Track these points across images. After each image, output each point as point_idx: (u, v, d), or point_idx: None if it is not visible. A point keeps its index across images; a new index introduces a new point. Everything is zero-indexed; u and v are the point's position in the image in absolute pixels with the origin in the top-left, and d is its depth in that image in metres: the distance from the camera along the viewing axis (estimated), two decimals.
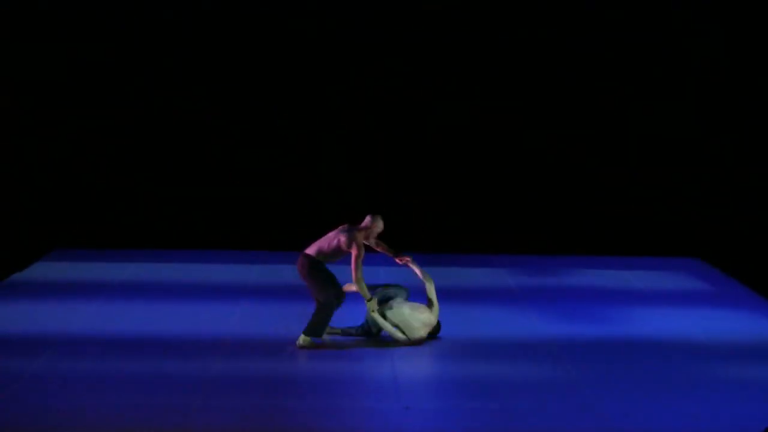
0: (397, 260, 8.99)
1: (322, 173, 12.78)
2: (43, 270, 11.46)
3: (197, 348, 8.59)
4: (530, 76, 12.73)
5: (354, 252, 8.53)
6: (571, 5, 12.56)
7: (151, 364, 8.17)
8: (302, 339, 8.63)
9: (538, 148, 12.83)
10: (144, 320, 9.42)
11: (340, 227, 8.77)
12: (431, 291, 8.87)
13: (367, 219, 8.79)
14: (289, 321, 9.40)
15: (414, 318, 8.73)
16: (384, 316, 8.70)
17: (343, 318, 8.98)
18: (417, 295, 9.06)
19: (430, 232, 12.62)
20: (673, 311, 10.14)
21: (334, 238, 8.66)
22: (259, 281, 11.15)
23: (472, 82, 12.72)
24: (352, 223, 8.84)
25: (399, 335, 8.70)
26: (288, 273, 11.52)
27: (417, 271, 8.90)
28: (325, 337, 8.77)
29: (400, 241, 9.75)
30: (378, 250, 8.99)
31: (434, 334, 8.87)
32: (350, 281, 8.76)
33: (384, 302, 8.78)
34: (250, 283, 11.00)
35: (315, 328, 8.62)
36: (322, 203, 12.58)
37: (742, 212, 12.83)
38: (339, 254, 8.68)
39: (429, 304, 8.86)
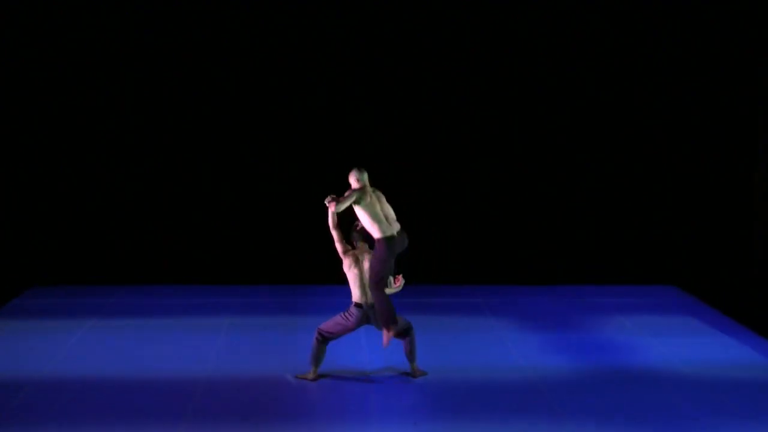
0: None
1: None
2: (21, 307, 11.42)
3: (179, 384, 8.57)
4: (501, 115, 12.84)
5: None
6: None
7: (131, 401, 8.15)
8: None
9: (509, 178, 12.89)
10: (123, 357, 9.40)
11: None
12: None
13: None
14: (270, 354, 9.43)
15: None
16: None
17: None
18: None
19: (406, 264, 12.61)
20: (652, 340, 10.19)
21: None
22: (239, 315, 11.13)
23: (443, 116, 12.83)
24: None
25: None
26: (267, 307, 11.56)
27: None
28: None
29: None
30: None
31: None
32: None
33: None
34: (229, 317, 10.99)
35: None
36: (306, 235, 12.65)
37: (718, 239, 12.92)
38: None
39: None
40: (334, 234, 8.74)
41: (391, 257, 8.54)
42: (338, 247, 8.77)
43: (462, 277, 12.75)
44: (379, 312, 8.56)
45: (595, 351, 9.75)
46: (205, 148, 12.71)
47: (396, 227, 8.59)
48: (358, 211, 8.56)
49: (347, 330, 8.74)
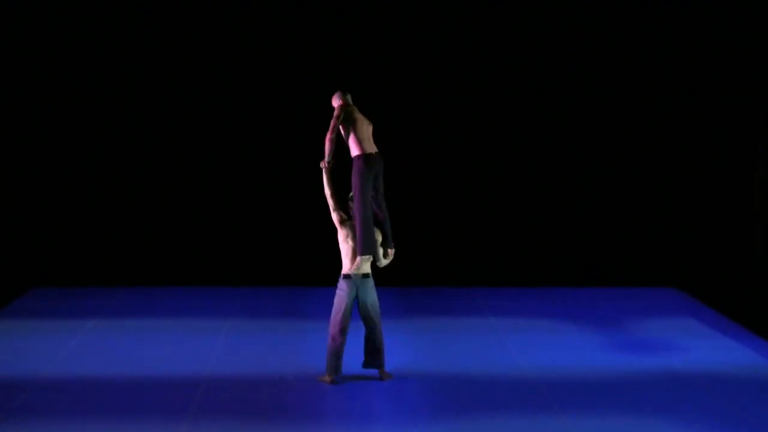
0: None
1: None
2: (21, 308, 11.41)
3: (179, 385, 8.57)
4: (499, 118, 12.83)
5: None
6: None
7: (131, 402, 8.14)
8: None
9: (509, 178, 12.87)
10: (123, 358, 9.39)
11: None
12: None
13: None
14: (271, 356, 9.42)
15: None
16: None
17: None
18: None
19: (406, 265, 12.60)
20: (652, 341, 10.19)
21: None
22: (240, 317, 11.13)
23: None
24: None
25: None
26: (268, 309, 11.56)
27: None
28: None
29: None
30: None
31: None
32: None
33: None
34: (229, 319, 10.98)
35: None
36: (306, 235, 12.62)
37: (718, 239, 12.91)
38: None
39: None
40: (331, 202, 8.65)
41: (369, 172, 8.50)
42: (334, 216, 8.67)
43: (462, 277, 12.73)
44: (358, 233, 8.50)
45: (595, 352, 9.75)
46: (205, 148, 12.70)
47: (374, 149, 8.62)
48: (343, 129, 8.59)
49: (346, 307, 8.60)
